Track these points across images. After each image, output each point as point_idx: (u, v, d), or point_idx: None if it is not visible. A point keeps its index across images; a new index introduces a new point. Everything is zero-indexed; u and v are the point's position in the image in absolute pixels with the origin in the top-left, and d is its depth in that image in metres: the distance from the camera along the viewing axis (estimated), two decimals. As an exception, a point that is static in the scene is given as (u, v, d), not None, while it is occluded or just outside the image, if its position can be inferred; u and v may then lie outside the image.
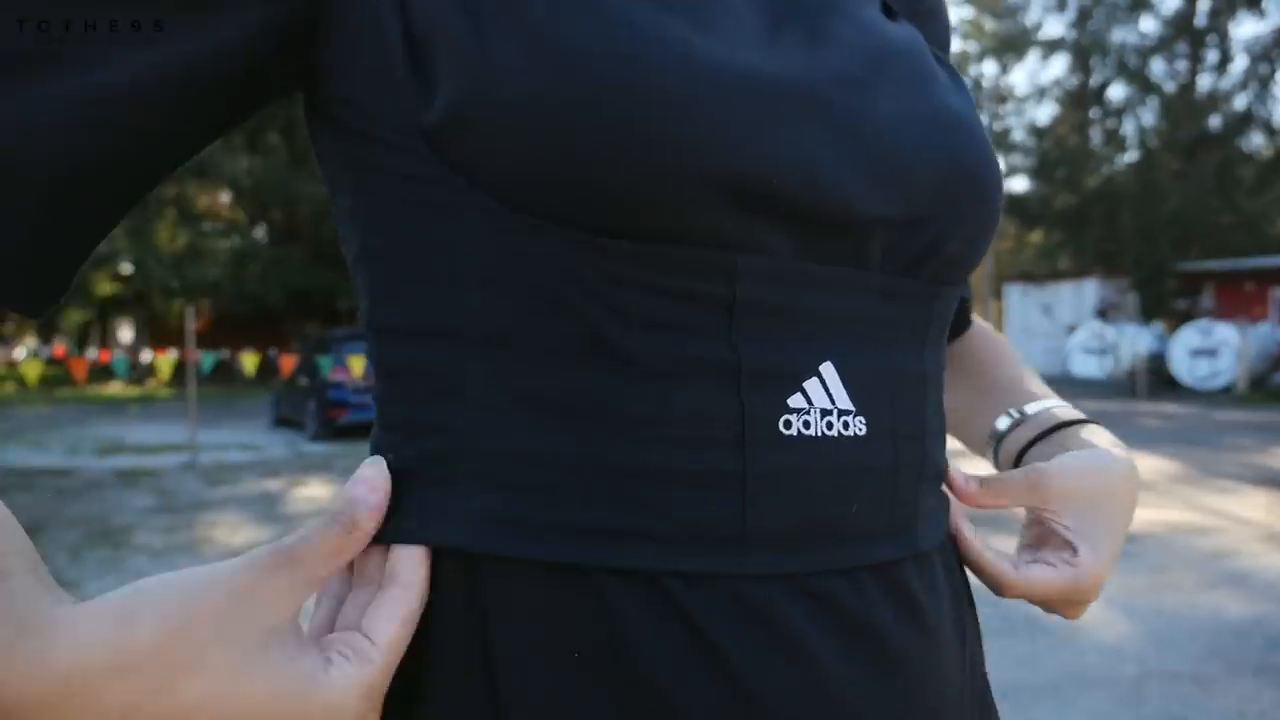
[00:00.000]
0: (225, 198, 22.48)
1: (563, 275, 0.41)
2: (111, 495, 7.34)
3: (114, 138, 0.41)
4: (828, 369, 0.44)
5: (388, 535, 0.43)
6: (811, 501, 0.43)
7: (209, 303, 23.26)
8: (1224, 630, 3.82)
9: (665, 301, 0.41)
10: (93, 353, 14.30)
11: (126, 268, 21.61)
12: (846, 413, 0.44)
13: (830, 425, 0.44)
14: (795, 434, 0.43)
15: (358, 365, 9.86)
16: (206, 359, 9.42)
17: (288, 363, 9.92)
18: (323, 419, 10.84)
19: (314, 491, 7.52)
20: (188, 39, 0.41)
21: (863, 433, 0.45)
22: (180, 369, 10.46)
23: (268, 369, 12.11)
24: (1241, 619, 3.97)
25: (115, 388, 21.24)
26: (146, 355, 12.28)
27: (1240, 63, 24.07)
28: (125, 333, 27.41)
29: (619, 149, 0.38)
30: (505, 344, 0.42)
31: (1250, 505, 6.62)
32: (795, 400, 0.43)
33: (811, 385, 0.43)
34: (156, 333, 25.69)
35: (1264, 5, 22.96)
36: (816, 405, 0.43)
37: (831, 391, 0.44)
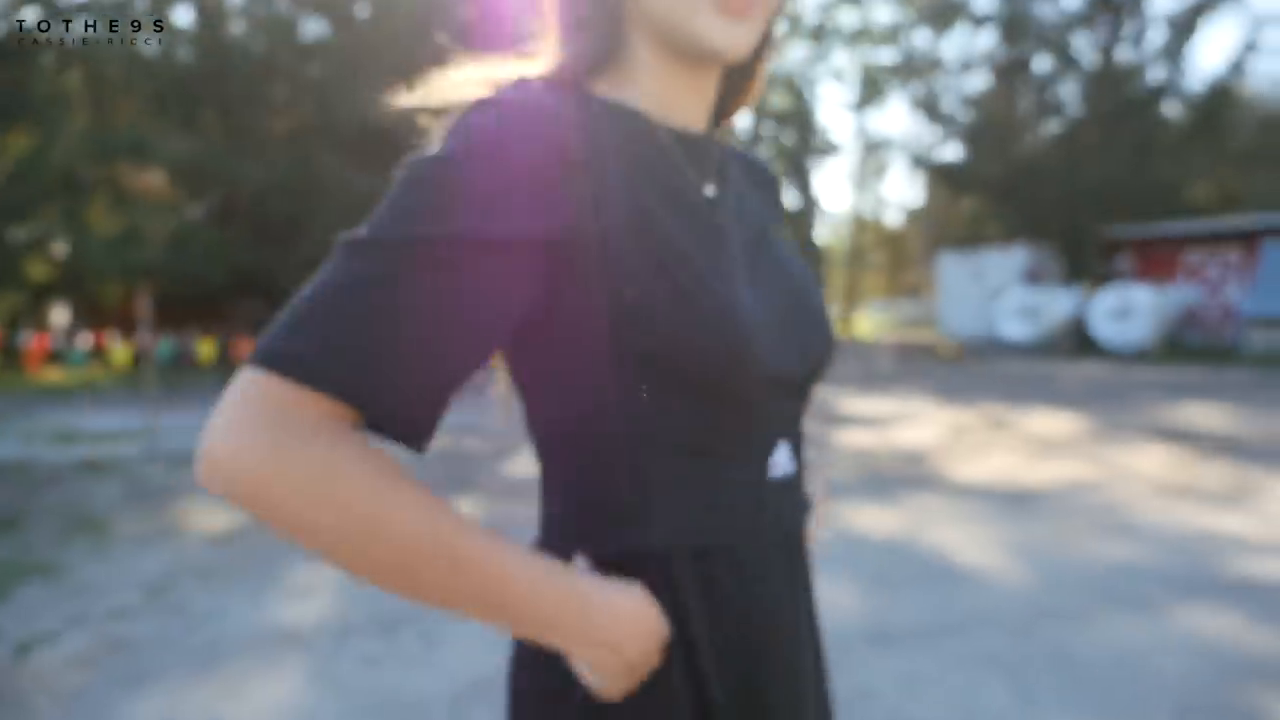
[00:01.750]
0: (161, 179, 22.11)
1: (689, 421, 0.83)
2: (79, 485, 7.54)
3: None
4: (783, 443, 0.89)
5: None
6: (783, 502, 0.89)
7: (149, 285, 22.94)
8: (1107, 573, 4.40)
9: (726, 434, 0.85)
10: (27, 338, 14.15)
11: (61, 251, 21.22)
12: (789, 462, 0.90)
13: (784, 469, 0.89)
14: (775, 476, 0.88)
15: (313, 349, 10.10)
16: (164, 346, 9.54)
17: (244, 347, 10.08)
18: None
19: (279, 474, 7.80)
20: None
21: (793, 471, 0.89)
22: (136, 355, 10.53)
23: (220, 352, 12.22)
24: (1123, 563, 4.56)
25: (56, 374, 20.94)
26: (84, 339, 12.28)
27: (1157, 35, 25.00)
28: (60, 316, 26.84)
29: (722, 364, 0.80)
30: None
31: (1147, 459, 7.30)
32: (774, 459, 0.88)
33: (779, 452, 0.89)
34: (93, 316, 25.25)
35: (1178, -21, 23.94)
36: (780, 461, 0.89)
37: (784, 454, 0.90)
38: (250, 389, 0.68)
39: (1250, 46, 24.93)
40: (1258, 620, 3.70)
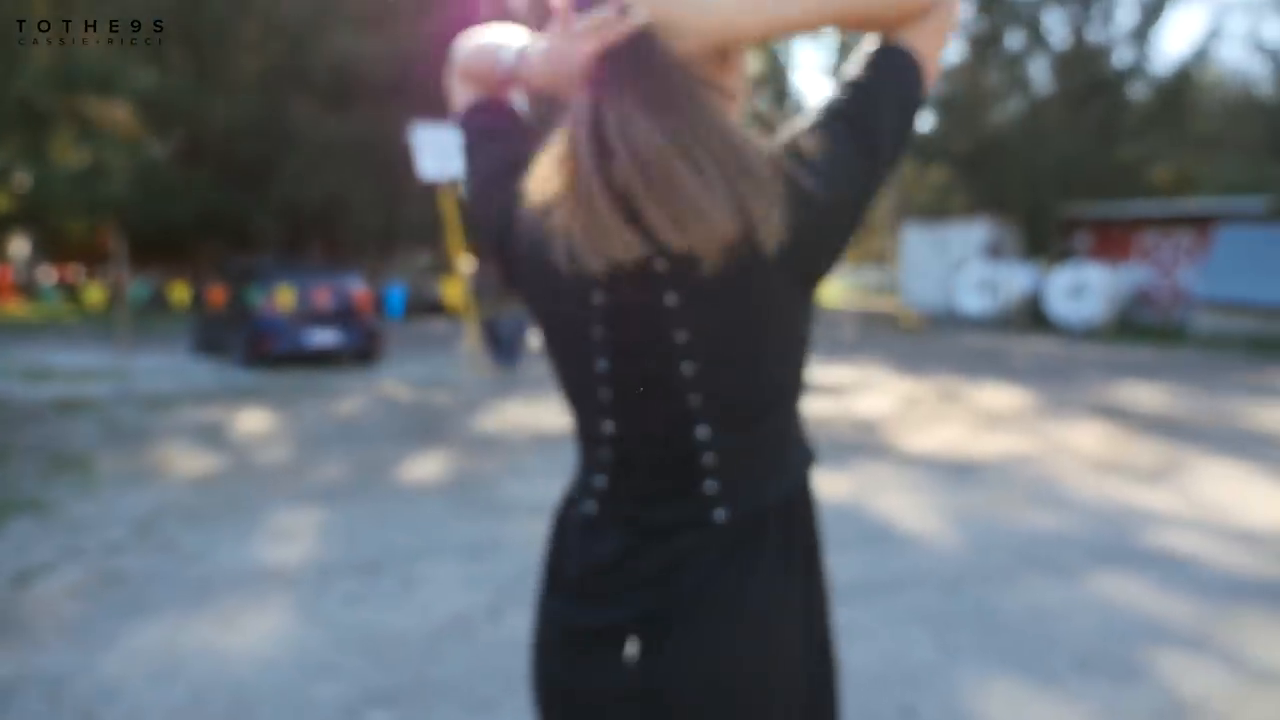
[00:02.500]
0: (127, 114, 21.73)
1: None
2: (56, 423, 7.69)
3: None
4: None
5: None
6: None
7: (114, 221, 22.65)
8: (1033, 540, 4.80)
9: None
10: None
11: (23, 183, 20.85)
12: None
13: None
14: None
15: (286, 297, 10.21)
16: (138, 288, 9.61)
17: (216, 293, 10.17)
18: (251, 348, 11.18)
19: (254, 420, 8.01)
20: None
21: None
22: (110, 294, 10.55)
23: (187, 294, 12.24)
24: (1049, 531, 4.96)
25: (20, 309, 20.70)
26: (45, 273, 12.24)
27: (1126, 17, 25.33)
28: (20, 248, 26.40)
29: None
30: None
31: (1083, 435, 7.75)
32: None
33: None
34: (55, 250, 24.91)
35: (1151, -39, 24.26)
36: None
37: None
38: None
39: (1215, 33, 25.37)
40: (1160, 587, 4.11)
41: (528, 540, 4.59)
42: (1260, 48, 25.85)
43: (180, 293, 9.27)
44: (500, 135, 1.15)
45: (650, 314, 1.00)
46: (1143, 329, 19.21)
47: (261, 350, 11.15)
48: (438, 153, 10.27)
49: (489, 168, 1.13)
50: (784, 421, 1.09)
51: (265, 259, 14.81)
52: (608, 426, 1.09)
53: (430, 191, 13.87)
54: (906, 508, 5.38)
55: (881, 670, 3.23)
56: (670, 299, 0.99)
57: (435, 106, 11.71)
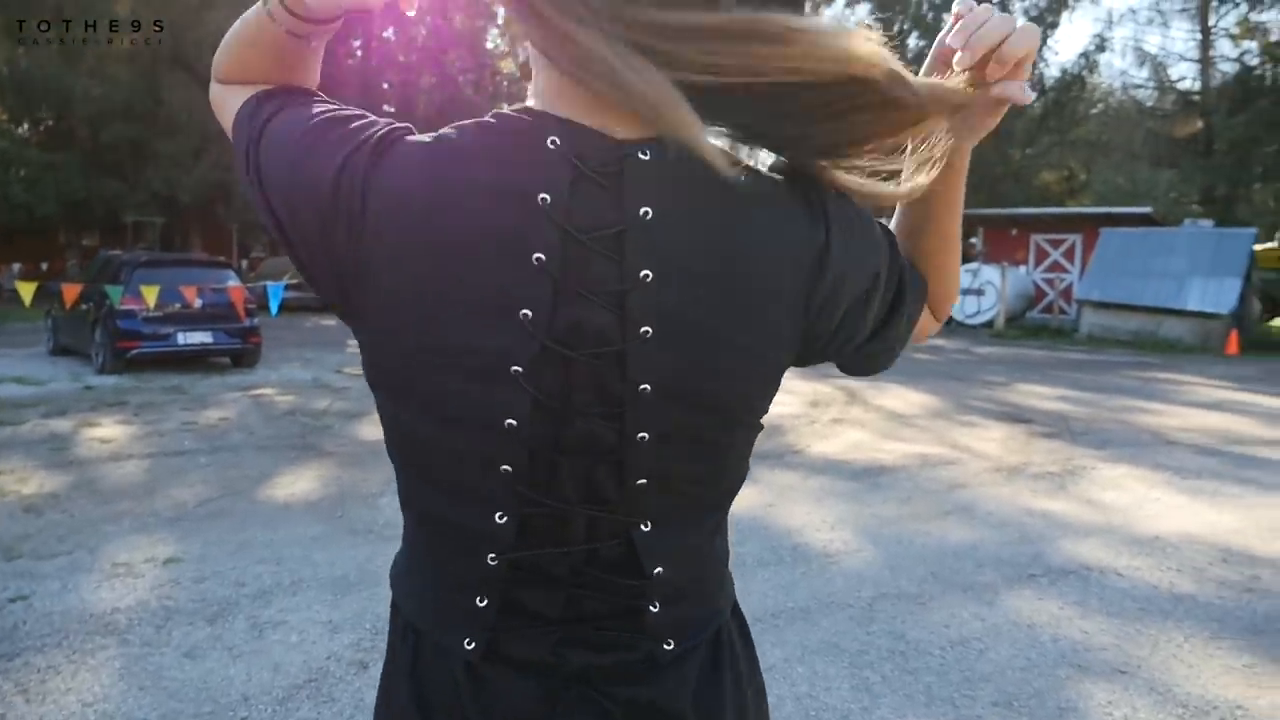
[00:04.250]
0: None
1: None
2: None
3: None
4: None
5: None
6: None
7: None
8: (946, 555, 4.58)
9: None
10: None
11: None
12: None
13: None
14: None
15: (151, 294, 9.39)
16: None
17: (71, 289, 9.28)
18: (112, 350, 10.26)
19: (109, 431, 7.25)
20: None
21: None
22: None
23: (43, 291, 11.23)
24: (961, 544, 4.76)
25: None
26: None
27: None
28: None
29: None
30: None
31: (988, 439, 7.69)
32: None
33: None
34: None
35: (1041, -30, 25.04)
36: None
37: None
38: None
39: (1102, 43, 26.40)
40: (1078, 607, 3.93)
41: (405, 570, 4.12)
42: (1143, 58, 27.02)
43: (25, 290, 8.35)
44: (320, 101, 0.79)
45: (603, 346, 0.71)
46: (1035, 328, 19.75)
47: (124, 352, 10.25)
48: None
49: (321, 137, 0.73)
50: (725, 521, 0.86)
51: (130, 252, 13.73)
52: (501, 520, 0.73)
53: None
54: (816, 521, 5.11)
55: (796, 721, 2.90)
56: (632, 330, 0.70)
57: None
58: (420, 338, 0.70)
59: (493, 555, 0.74)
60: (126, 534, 4.62)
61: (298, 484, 5.74)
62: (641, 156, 0.69)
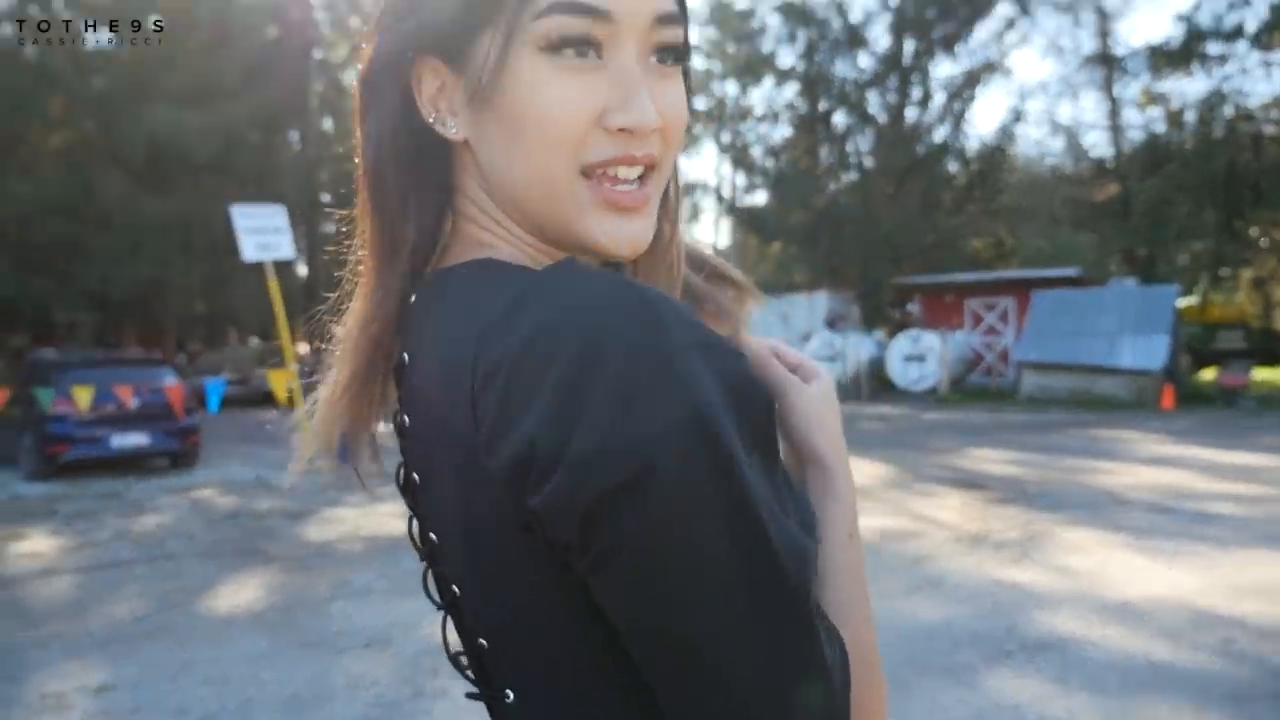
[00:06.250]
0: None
1: None
2: None
3: None
4: None
5: None
6: None
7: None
8: (919, 634, 4.49)
9: None
10: None
11: None
12: None
13: None
14: None
15: (83, 396, 9.04)
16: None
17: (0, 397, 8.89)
18: (42, 455, 9.80)
19: (37, 545, 6.85)
20: None
21: None
22: None
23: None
24: (933, 622, 4.67)
25: None
26: None
27: (940, 98, 27.26)
28: None
29: None
30: None
31: (946, 508, 7.67)
32: None
33: None
34: None
35: (956, 50, 26.30)
36: None
37: None
38: None
39: (1018, 115, 27.63)
40: (1059, 683, 3.85)
41: (362, 682, 3.89)
42: (1057, 127, 28.32)
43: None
44: None
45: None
46: (976, 391, 20.08)
47: (55, 458, 9.79)
48: (260, 234, 9.56)
49: None
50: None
51: (60, 352, 13.28)
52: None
53: (261, 274, 12.90)
54: (785, 605, 4.98)
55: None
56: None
57: (261, 184, 10.93)
58: None
59: None
60: (56, 660, 4.30)
61: (241, 593, 5.45)
62: None
